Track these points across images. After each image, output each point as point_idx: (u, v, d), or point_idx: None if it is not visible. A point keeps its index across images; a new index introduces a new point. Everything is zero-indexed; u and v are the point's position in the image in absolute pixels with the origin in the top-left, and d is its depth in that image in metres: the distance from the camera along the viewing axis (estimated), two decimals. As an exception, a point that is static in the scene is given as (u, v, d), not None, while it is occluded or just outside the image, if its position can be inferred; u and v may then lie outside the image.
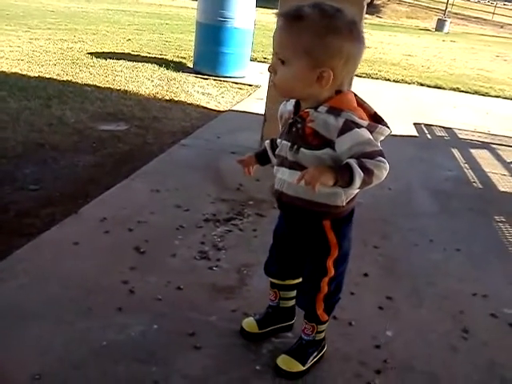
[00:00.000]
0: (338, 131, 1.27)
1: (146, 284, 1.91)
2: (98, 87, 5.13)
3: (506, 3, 41.02)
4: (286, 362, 1.57)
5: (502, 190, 3.60)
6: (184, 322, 1.72)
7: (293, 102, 1.42)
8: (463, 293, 2.16)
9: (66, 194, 2.80)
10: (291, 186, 1.39)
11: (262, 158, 1.59)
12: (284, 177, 1.41)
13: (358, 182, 1.23)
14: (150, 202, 2.65)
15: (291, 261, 1.60)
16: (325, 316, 1.55)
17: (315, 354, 1.61)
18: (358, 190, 1.39)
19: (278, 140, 1.45)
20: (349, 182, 1.24)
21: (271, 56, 1.32)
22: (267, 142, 1.59)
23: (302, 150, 1.33)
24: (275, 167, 1.47)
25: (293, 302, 1.72)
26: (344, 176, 1.23)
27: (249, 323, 1.71)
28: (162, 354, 1.58)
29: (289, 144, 1.37)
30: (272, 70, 1.33)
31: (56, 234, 2.23)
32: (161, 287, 1.90)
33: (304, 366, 1.57)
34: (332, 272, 1.48)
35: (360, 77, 7.67)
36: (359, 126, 1.27)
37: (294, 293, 1.69)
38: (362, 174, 1.22)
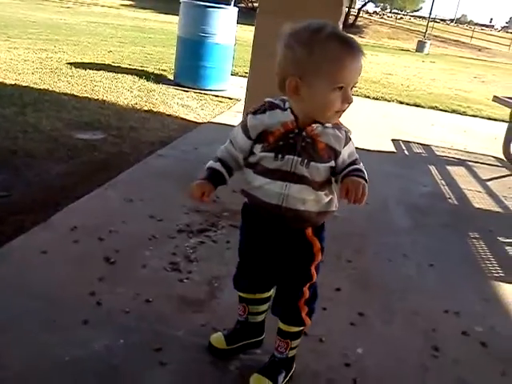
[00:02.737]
0: (344, 143, 1.40)
1: (114, 296, 1.86)
2: (76, 96, 5.08)
3: (483, 28, 42.16)
4: (258, 381, 1.53)
5: (477, 206, 3.64)
6: (151, 337, 1.67)
7: (278, 115, 1.38)
8: (435, 309, 2.15)
9: (37, 202, 2.73)
10: (299, 200, 1.39)
11: (216, 181, 1.46)
12: (287, 191, 1.39)
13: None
14: (122, 212, 2.60)
15: (263, 274, 1.57)
16: (308, 320, 1.54)
17: (287, 372, 1.58)
18: None
19: (269, 154, 1.38)
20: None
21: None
22: (216, 164, 1.47)
23: (312, 163, 1.37)
24: (264, 181, 1.40)
25: (262, 317, 1.69)
26: (365, 180, 1.36)
27: (217, 339, 1.68)
28: (126, 370, 1.53)
29: (299, 159, 1.37)
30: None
31: (24, 242, 2.17)
32: (129, 299, 1.85)
33: None
34: (314, 277, 1.51)
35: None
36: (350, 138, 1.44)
37: (264, 307, 1.66)
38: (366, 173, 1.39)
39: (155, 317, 1.78)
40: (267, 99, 1.43)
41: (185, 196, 1.50)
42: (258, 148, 1.40)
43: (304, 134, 1.37)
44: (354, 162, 1.41)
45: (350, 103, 1.34)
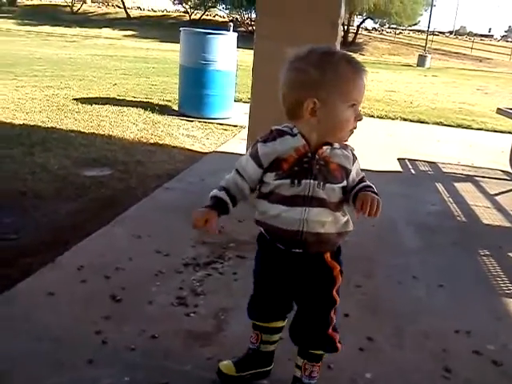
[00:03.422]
0: (352, 161, 1.46)
1: (119, 334, 1.87)
2: (83, 133, 5.17)
3: (482, 38, 42.38)
4: None
5: (486, 222, 3.62)
6: (157, 372, 1.68)
7: (289, 141, 1.40)
8: (446, 330, 2.13)
9: (45, 243, 2.76)
10: (318, 223, 1.42)
11: (220, 210, 1.45)
12: (306, 216, 1.41)
13: None
14: (129, 248, 2.62)
15: (279, 302, 1.60)
16: (339, 346, 1.57)
17: None
18: None
19: (285, 181, 1.40)
20: None
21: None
22: (221, 192, 1.46)
23: (327, 185, 1.41)
24: (281, 209, 1.41)
25: (274, 347, 1.69)
26: (377, 195, 1.42)
27: (226, 366, 1.68)
28: (133, 407, 1.53)
29: (316, 182, 1.40)
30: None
31: (30, 284, 2.19)
32: (135, 336, 1.86)
33: None
34: (337, 300, 1.53)
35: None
36: None
37: (276, 337, 1.67)
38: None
39: (161, 353, 1.78)
40: (274, 127, 1.46)
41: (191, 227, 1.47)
42: (270, 177, 1.42)
43: (317, 156, 1.40)
44: (362, 180, 1.47)
45: (360, 120, 1.41)
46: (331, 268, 1.49)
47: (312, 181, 1.39)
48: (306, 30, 3.28)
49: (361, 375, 1.77)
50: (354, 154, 1.47)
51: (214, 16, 42.65)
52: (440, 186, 4.41)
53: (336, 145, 1.43)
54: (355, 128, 1.41)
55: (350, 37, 35.19)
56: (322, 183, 1.40)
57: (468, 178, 4.80)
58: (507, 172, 5.03)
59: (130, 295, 2.14)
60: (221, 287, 2.30)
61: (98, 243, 2.67)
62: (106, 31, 28.75)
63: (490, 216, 3.75)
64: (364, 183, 1.46)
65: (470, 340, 2.07)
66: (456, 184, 4.54)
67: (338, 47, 3.32)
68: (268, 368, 1.72)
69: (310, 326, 1.53)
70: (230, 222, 3.02)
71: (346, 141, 1.45)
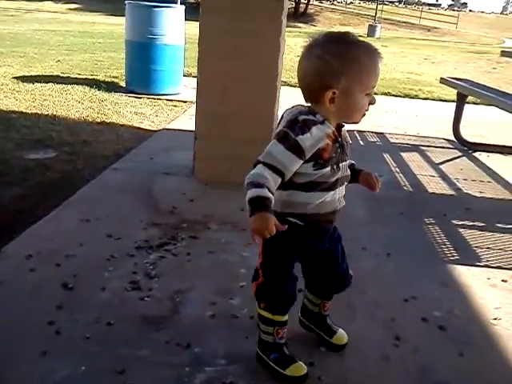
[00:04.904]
0: None
1: (73, 323, 1.84)
2: (25, 113, 4.96)
3: (430, 8, 43.16)
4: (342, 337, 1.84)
5: (431, 191, 3.74)
6: (114, 360, 1.67)
7: (320, 130, 1.43)
8: (395, 299, 2.21)
9: (-10, 231, 2.67)
10: (344, 198, 1.59)
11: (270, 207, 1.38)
12: (341, 194, 1.56)
13: None
14: (79, 233, 2.57)
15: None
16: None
17: None
18: None
19: (326, 169, 1.46)
20: None
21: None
22: (263, 190, 1.35)
23: (346, 162, 1.55)
24: (325, 196, 1.50)
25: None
26: None
27: (294, 368, 1.66)
28: (90, 396, 1.52)
29: (345, 163, 1.54)
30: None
31: (-24, 276, 2.12)
32: (89, 324, 1.83)
33: None
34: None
35: (294, 87, 7.81)
36: None
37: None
38: None
39: (117, 339, 1.77)
40: (301, 117, 1.43)
41: (254, 235, 1.35)
42: (307, 167, 1.44)
43: (340, 139, 1.50)
44: None
45: (373, 104, 1.48)
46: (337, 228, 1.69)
47: (344, 163, 1.52)
48: (251, 4, 3.25)
49: (315, 350, 1.81)
50: None
51: (162, -14, 41.39)
52: (387, 157, 4.52)
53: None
54: (367, 111, 1.49)
55: (302, 7, 34.99)
56: (346, 162, 1.54)
57: (414, 148, 4.93)
58: (451, 140, 5.20)
59: (82, 282, 2.10)
60: (175, 269, 2.29)
61: (46, 229, 2.60)
62: (48, 4, 27.43)
63: (435, 185, 3.88)
64: (350, 161, 1.60)
65: (417, 307, 2.16)
66: (403, 154, 4.66)
67: (284, 20, 3.30)
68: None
69: (341, 275, 1.73)
70: (182, 202, 3.01)
71: (359, 122, 1.52)
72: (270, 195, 1.36)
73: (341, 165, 1.50)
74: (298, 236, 1.56)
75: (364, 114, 1.50)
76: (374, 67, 1.44)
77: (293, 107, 1.52)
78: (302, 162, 1.42)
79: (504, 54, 5.51)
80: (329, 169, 1.46)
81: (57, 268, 2.20)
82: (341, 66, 1.39)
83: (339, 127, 1.51)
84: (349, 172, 1.57)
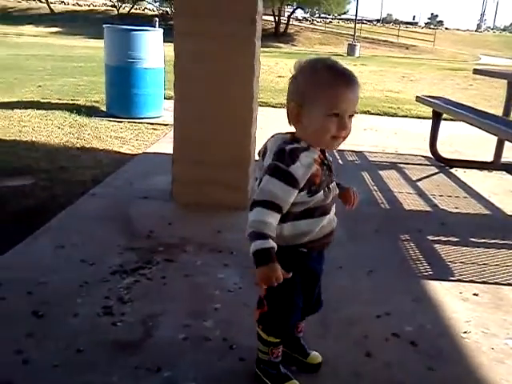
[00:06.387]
0: None
1: (42, 351, 1.83)
2: (2, 140, 4.95)
3: (407, 26, 44.10)
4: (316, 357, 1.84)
5: (408, 208, 3.79)
6: (82, 388, 1.66)
7: (308, 156, 1.45)
8: (368, 316, 2.23)
9: (-37, 260, 2.65)
10: (335, 217, 1.60)
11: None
12: (333, 214, 1.58)
13: None
14: (53, 260, 2.56)
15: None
16: None
17: None
18: None
19: (320, 194, 1.48)
20: None
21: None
22: (268, 241, 1.37)
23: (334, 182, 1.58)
24: (324, 220, 1.53)
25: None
26: None
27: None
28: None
29: (334, 183, 1.56)
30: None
31: None
32: (59, 352, 1.82)
33: None
34: None
35: (275, 107, 7.90)
36: None
37: None
38: None
39: (86, 366, 1.76)
40: (287, 147, 1.44)
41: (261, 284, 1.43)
42: (303, 195, 1.45)
43: (326, 161, 1.52)
44: None
45: (346, 131, 1.44)
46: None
47: (333, 183, 1.55)
48: (224, 27, 3.29)
49: (287, 368, 1.81)
50: None
51: (144, 10, 41.75)
52: (366, 175, 4.58)
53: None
54: (343, 138, 1.46)
55: (282, 27, 35.50)
56: (334, 182, 1.56)
57: (392, 166, 5.00)
58: (428, 157, 5.28)
59: (53, 309, 2.09)
60: (149, 293, 2.29)
61: (20, 257, 2.59)
62: (29, 28, 27.51)
63: (411, 201, 3.93)
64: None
65: (389, 323, 2.18)
66: (381, 172, 4.72)
67: (257, 43, 3.35)
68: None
69: (320, 295, 1.76)
70: (159, 226, 3.02)
71: (335, 148, 1.53)
72: (274, 244, 1.38)
73: (331, 186, 1.53)
74: (301, 262, 1.58)
75: (336, 139, 1.45)
76: (340, 88, 1.41)
77: (273, 136, 1.54)
78: (297, 191, 1.42)
79: (476, 71, 5.63)
80: (322, 193, 1.49)
81: (28, 296, 2.19)
82: (304, 83, 1.45)
83: (323, 150, 1.52)
84: (337, 190, 1.60)
